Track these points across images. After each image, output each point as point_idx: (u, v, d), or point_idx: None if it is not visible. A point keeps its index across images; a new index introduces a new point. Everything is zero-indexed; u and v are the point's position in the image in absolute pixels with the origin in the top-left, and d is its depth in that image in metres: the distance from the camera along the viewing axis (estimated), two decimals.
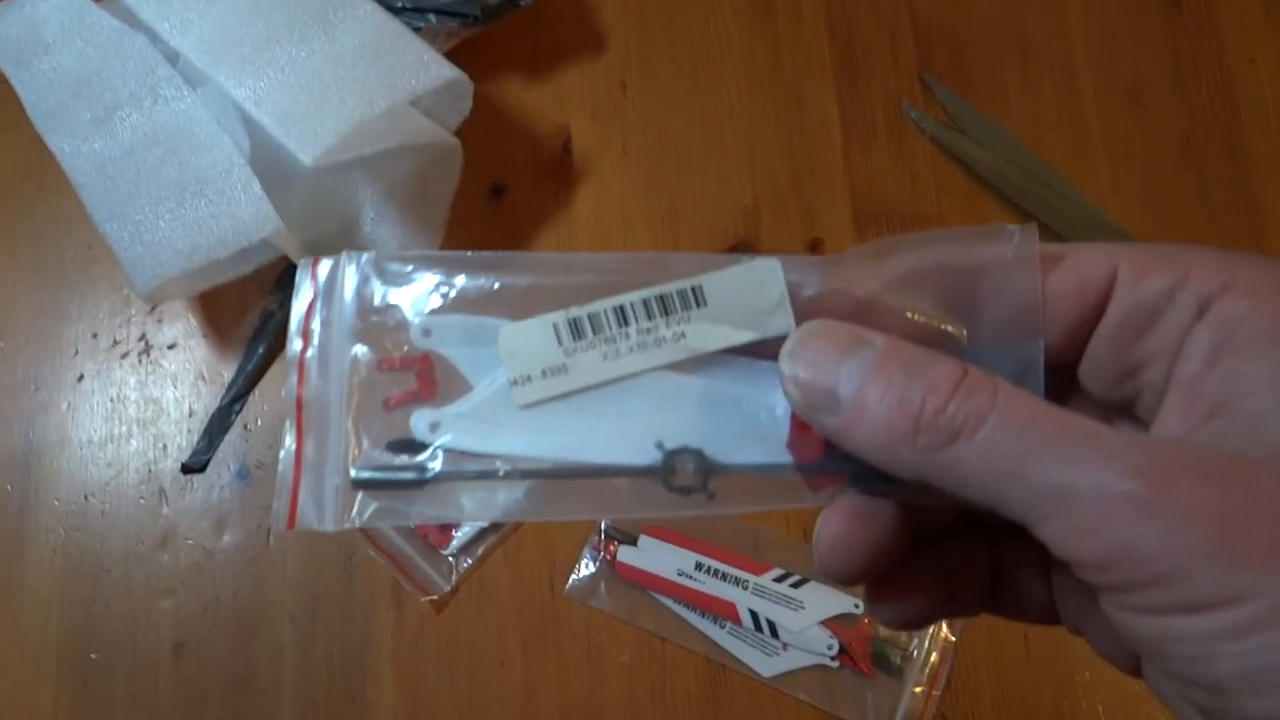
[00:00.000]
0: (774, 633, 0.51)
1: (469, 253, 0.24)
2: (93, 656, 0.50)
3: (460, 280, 0.24)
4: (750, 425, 0.21)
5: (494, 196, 0.57)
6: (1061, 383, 0.20)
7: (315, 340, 0.24)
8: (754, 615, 0.51)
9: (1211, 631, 0.15)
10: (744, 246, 0.58)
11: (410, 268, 0.24)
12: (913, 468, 0.18)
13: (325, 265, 0.25)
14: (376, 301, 0.24)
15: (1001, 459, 0.17)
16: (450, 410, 0.23)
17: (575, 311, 0.22)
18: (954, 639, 0.52)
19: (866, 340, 0.19)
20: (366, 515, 0.23)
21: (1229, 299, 0.18)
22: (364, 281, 0.24)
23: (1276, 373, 0.17)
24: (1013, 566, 0.22)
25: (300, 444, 0.24)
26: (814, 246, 0.58)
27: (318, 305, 0.24)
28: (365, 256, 0.25)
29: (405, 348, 0.24)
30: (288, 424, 0.23)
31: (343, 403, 0.24)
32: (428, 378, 0.24)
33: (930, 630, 0.52)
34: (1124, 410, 0.20)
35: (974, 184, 0.60)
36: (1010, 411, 0.17)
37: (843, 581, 0.21)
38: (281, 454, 0.23)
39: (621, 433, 0.22)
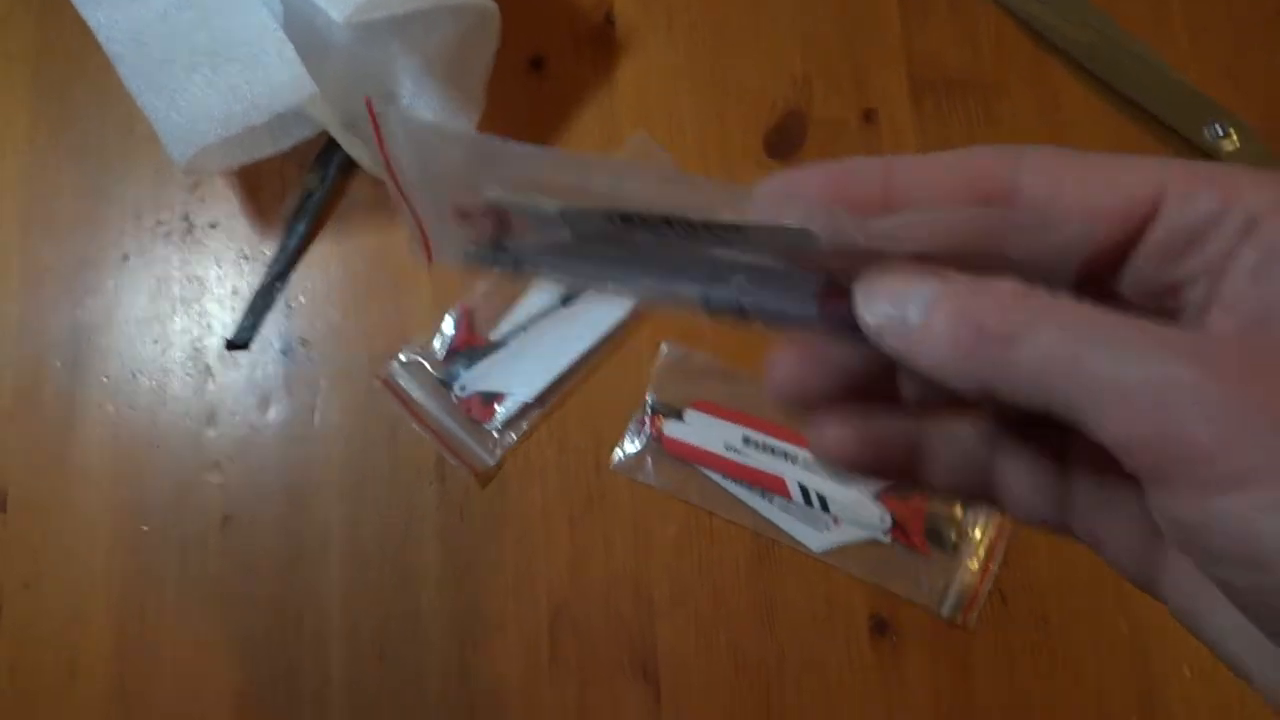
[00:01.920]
0: (824, 507, 0.50)
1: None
2: (144, 529, 0.51)
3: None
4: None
5: (533, 69, 0.56)
6: (1101, 296, 0.20)
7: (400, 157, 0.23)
8: (804, 489, 0.50)
9: (1259, 504, 0.15)
10: (795, 117, 0.55)
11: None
12: (975, 376, 0.18)
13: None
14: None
15: (1059, 356, 0.17)
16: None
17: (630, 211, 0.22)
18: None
19: (931, 272, 0.20)
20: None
21: (1277, 219, 0.18)
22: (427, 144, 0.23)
23: None
24: (1027, 465, 0.22)
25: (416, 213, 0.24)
26: (868, 116, 0.56)
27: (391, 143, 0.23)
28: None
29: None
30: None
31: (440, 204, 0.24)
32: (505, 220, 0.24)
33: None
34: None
35: (1041, 50, 0.57)
36: (1066, 313, 0.18)
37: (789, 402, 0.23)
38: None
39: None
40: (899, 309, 0.19)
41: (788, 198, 0.21)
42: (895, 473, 0.23)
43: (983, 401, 0.20)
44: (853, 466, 0.23)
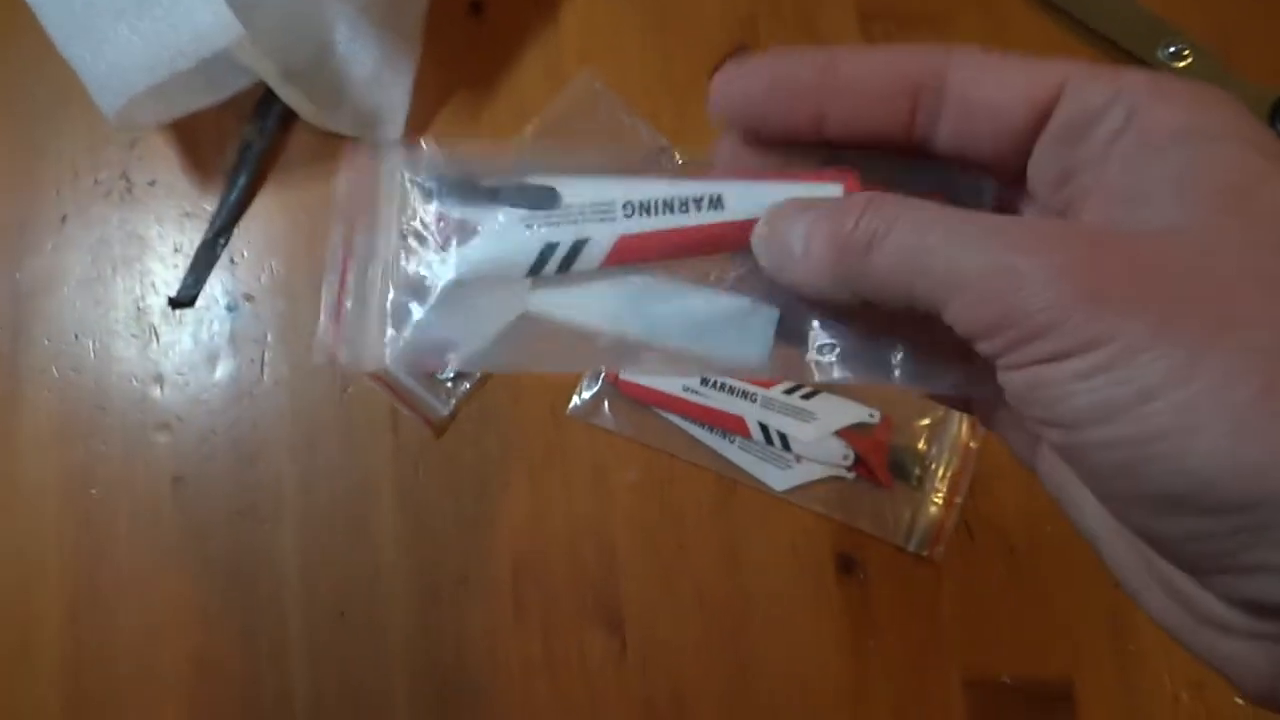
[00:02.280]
0: (785, 445, 0.49)
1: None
2: (93, 493, 0.50)
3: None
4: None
5: (473, 13, 0.54)
6: (1015, 192, 0.22)
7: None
8: (764, 428, 0.49)
9: (1073, 373, 0.17)
10: (742, 53, 0.54)
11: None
12: (847, 286, 0.21)
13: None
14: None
15: (908, 258, 0.19)
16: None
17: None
18: (974, 446, 0.49)
19: (813, 205, 0.22)
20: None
21: (1153, 108, 0.19)
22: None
23: (1177, 168, 0.19)
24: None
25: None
26: None
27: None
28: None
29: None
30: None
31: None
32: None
33: (950, 437, 0.49)
34: (1065, 215, 0.21)
35: None
36: (912, 217, 0.19)
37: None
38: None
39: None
40: (784, 246, 0.22)
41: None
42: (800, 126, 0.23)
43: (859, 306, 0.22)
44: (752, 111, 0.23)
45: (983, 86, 0.21)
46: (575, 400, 0.50)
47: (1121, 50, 0.53)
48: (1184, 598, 0.19)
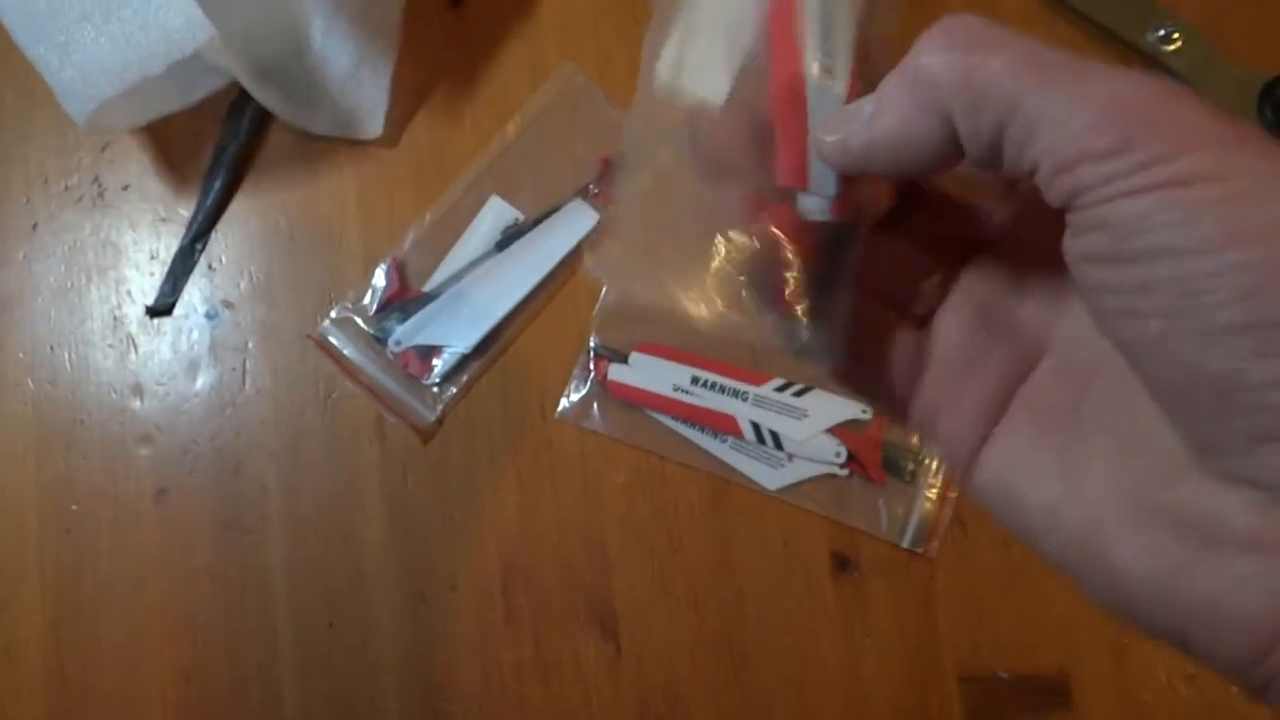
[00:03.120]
0: (778, 444, 0.48)
1: None
2: (74, 508, 0.49)
3: None
4: None
5: (452, 7, 0.53)
6: None
7: None
8: (756, 427, 0.48)
9: (1203, 198, 0.17)
10: None
11: None
12: (940, 109, 0.20)
13: None
14: None
15: (1020, 69, 0.18)
16: None
17: None
18: None
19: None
20: None
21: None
22: None
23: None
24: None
25: None
26: None
27: None
28: None
29: None
30: None
31: None
32: None
33: None
34: None
35: None
36: (1021, 40, 0.19)
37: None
38: None
39: None
40: (852, 118, 0.21)
41: None
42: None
43: (941, 153, 0.20)
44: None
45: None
46: (564, 403, 0.50)
47: (1108, 32, 0.52)
48: (1191, 520, 0.19)
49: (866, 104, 0.21)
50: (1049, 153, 0.18)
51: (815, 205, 0.22)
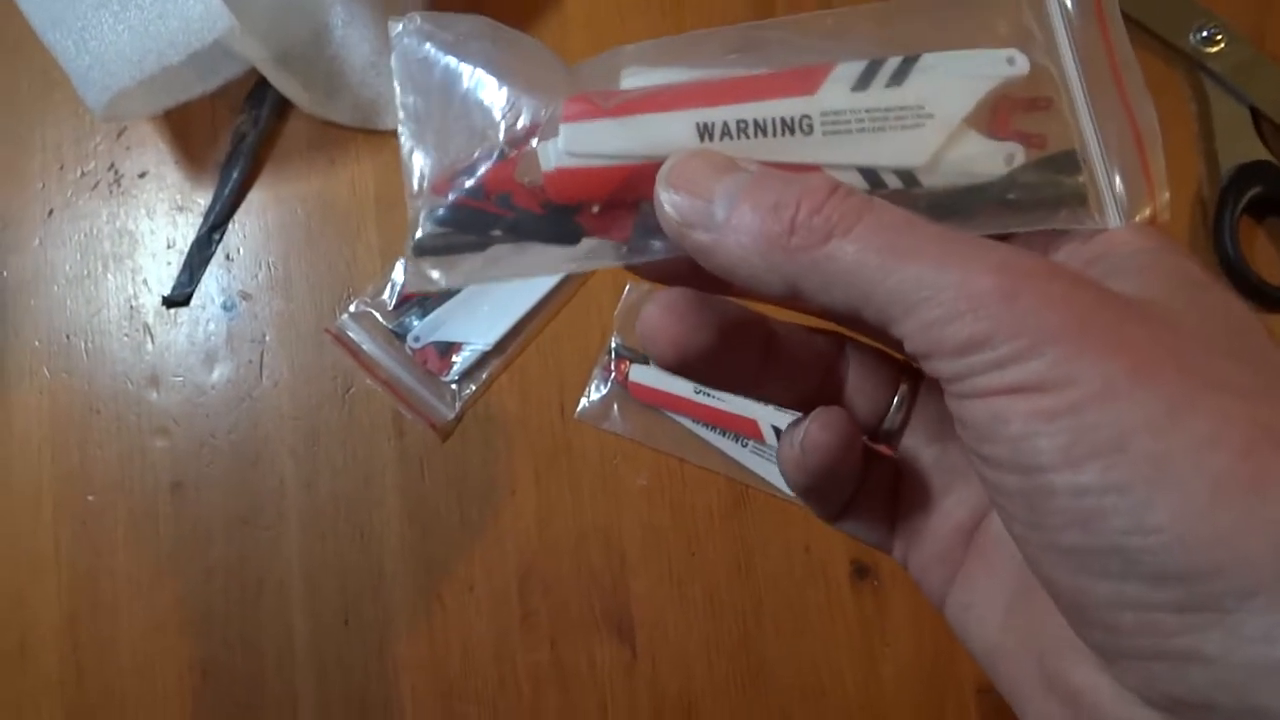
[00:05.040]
0: None
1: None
2: (90, 499, 0.48)
3: None
4: None
5: None
6: None
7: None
8: (777, 431, 0.48)
9: (1041, 410, 0.16)
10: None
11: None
12: (784, 271, 0.18)
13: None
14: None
15: (874, 256, 0.17)
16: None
17: None
18: None
19: (741, 165, 0.20)
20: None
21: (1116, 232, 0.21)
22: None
23: (1138, 262, 0.20)
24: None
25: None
26: None
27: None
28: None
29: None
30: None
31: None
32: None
33: None
34: None
35: None
36: (884, 215, 0.18)
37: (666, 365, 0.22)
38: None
39: None
40: (703, 201, 0.19)
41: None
42: (731, 376, 0.23)
43: (786, 299, 0.19)
44: (681, 353, 0.21)
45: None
46: (584, 403, 0.49)
47: (1150, 33, 0.51)
48: (1073, 696, 0.19)
49: (722, 196, 0.19)
50: (907, 339, 0.18)
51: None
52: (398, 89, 0.23)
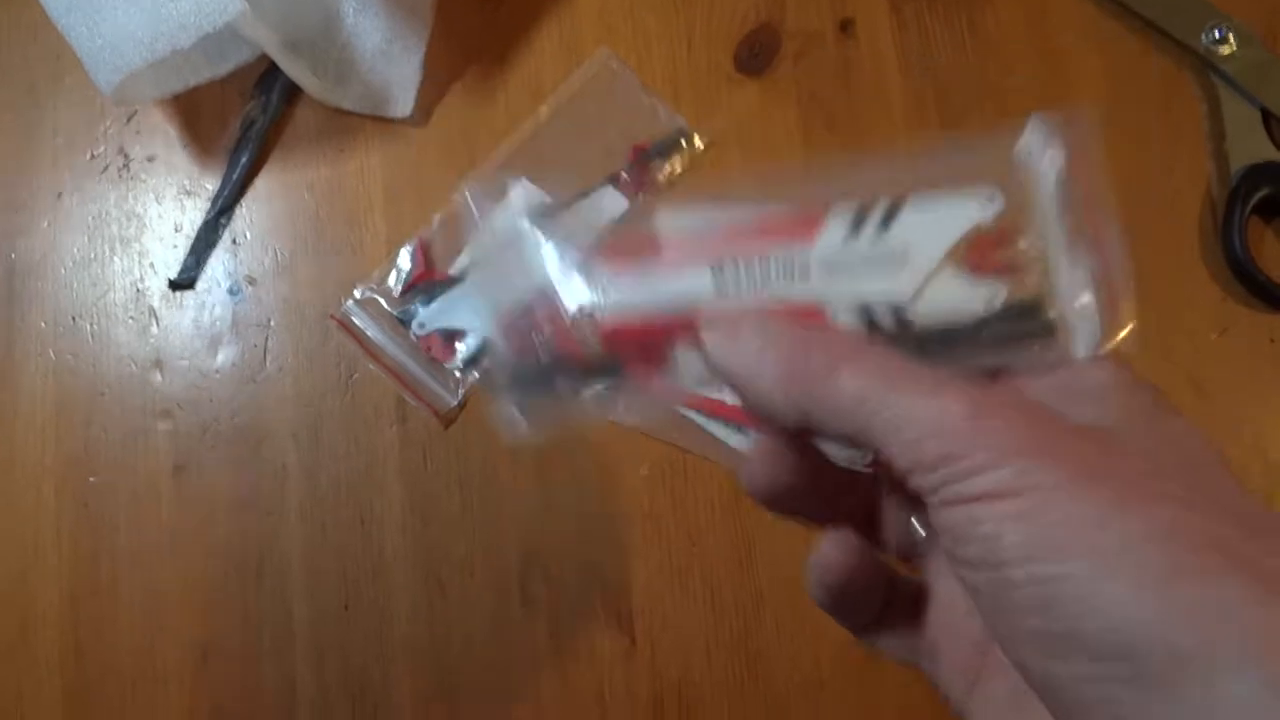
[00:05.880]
0: None
1: None
2: (92, 480, 0.49)
3: None
4: None
5: None
6: None
7: None
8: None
9: (1004, 513, 0.19)
10: (767, 30, 0.52)
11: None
12: (799, 404, 0.22)
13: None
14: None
15: (869, 391, 0.21)
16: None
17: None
18: None
19: (774, 317, 0.24)
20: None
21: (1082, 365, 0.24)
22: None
23: (1098, 391, 0.23)
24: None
25: None
26: (844, 28, 0.52)
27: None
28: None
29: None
30: None
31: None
32: None
33: None
34: None
35: None
36: (874, 356, 0.22)
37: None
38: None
39: None
40: (741, 338, 0.23)
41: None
42: (831, 514, 0.27)
43: (800, 432, 0.23)
44: (780, 499, 0.26)
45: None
46: (586, 393, 0.49)
47: (1162, 33, 0.50)
48: None
49: (751, 344, 0.23)
50: (894, 459, 0.21)
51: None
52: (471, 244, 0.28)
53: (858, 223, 0.25)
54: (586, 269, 0.26)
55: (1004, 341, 0.25)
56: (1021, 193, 0.25)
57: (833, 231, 0.25)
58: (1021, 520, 0.19)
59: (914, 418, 0.20)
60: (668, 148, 0.50)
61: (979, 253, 0.25)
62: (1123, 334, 0.24)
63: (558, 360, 0.27)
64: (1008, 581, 0.19)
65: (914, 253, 0.25)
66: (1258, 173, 0.48)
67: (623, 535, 0.48)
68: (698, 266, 0.26)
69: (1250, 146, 0.49)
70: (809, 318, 0.26)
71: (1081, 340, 0.24)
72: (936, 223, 0.25)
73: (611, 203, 0.50)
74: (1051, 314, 0.24)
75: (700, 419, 0.48)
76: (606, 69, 0.51)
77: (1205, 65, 0.50)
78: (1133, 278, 0.24)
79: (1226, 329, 0.48)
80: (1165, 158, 0.50)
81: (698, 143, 0.50)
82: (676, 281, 0.26)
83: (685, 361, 0.25)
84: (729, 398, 0.48)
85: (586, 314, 0.27)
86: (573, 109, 0.51)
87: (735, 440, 0.48)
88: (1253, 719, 0.17)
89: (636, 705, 0.47)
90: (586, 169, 0.50)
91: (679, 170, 0.50)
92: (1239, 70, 0.49)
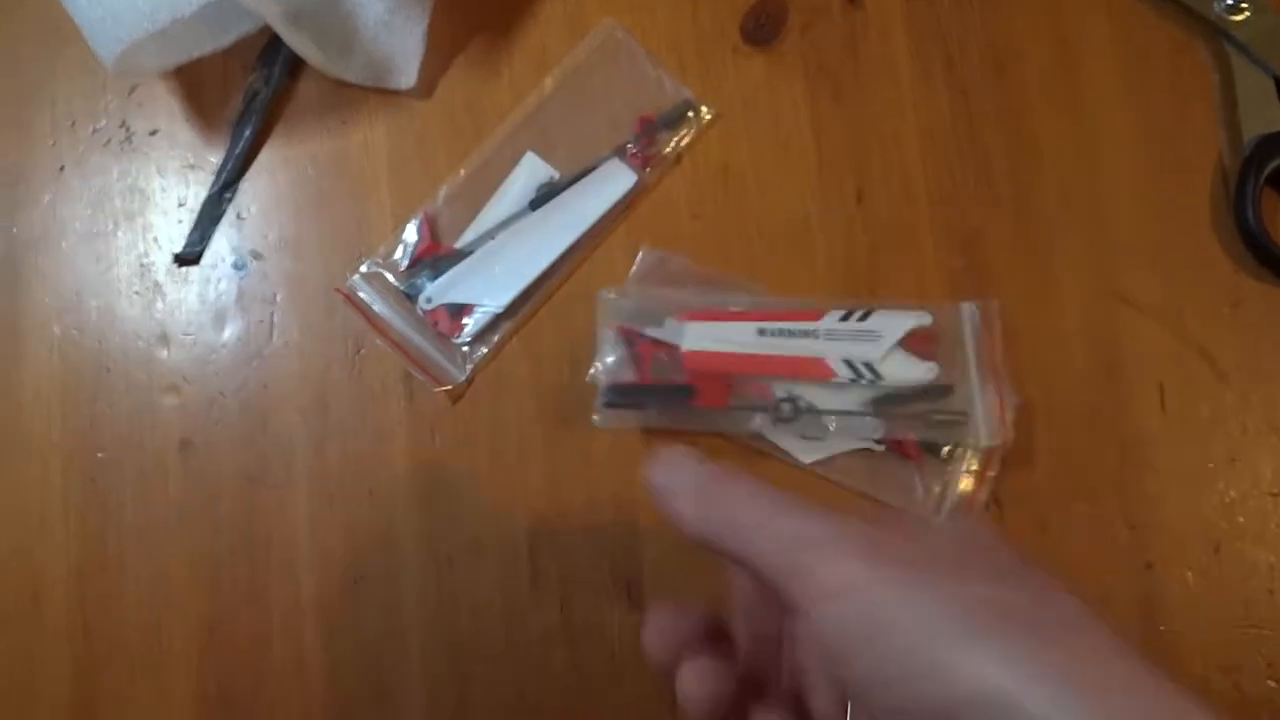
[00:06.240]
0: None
1: None
2: (99, 456, 0.48)
3: None
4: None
5: None
6: None
7: None
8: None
9: (834, 614, 0.24)
10: (773, 2, 0.51)
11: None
12: (704, 532, 0.28)
13: None
14: None
15: (731, 519, 0.27)
16: None
17: None
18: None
19: (695, 455, 0.29)
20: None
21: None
22: None
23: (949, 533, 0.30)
24: None
25: None
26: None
27: None
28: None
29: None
30: None
31: None
32: None
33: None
34: None
35: None
36: (742, 489, 0.27)
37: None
38: None
39: None
40: (676, 478, 0.28)
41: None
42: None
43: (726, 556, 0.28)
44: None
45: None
46: (596, 366, 0.49)
47: (1176, 2, 0.50)
48: None
49: (684, 473, 0.28)
50: (759, 572, 0.26)
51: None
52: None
53: (846, 316, 0.46)
54: (675, 318, 0.44)
55: (927, 422, 0.45)
56: (951, 327, 0.47)
57: (831, 317, 0.47)
58: (845, 617, 0.24)
59: (770, 537, 0.25)
60: (674, 119, 0.50)
61: (919, 343, 0.46)
62: (1006, 437, 0.45)
63: (647, 380, 0.46)
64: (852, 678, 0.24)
65: (882, 333, 0.46)
66: (1271, 143, 0.48)
67: (634, 510, 0.48)
68: (747, 324, 0.47)
69: (1264, 116, 0.48)
70: (814, 365, 0.46)
71: (982, 433, 0.45)
72: (896, 321, 0.46)
73: (617, 176, 0.49)
74: (962, 413, 0.45)
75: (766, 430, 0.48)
76: (611, 40, 0.50)
77: (1217, 33, 0.49)
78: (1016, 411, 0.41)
79: (1239, 303, 0.47)
80: (1176, 128, 0.49)
81: (704, 114, 0.50)
82: (737, 333, 0.47)
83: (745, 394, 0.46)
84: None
85: (673, 348, 0.47)
86: (578, 81, 0.50)
87: (799, 448, 0.48)
88: None
89: (648, 678, 0.47)
90: (593, 141, 0.50)
91: (685, 142, 0.50)
92: (1252, 37, 0.49)
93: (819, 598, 0.24)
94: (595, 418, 0.47)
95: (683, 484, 0.28)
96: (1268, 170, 0.47)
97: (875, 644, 0.23)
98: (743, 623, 0.33)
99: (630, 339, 0.48)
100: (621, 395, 0.46)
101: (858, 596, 0.23)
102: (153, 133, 0.50)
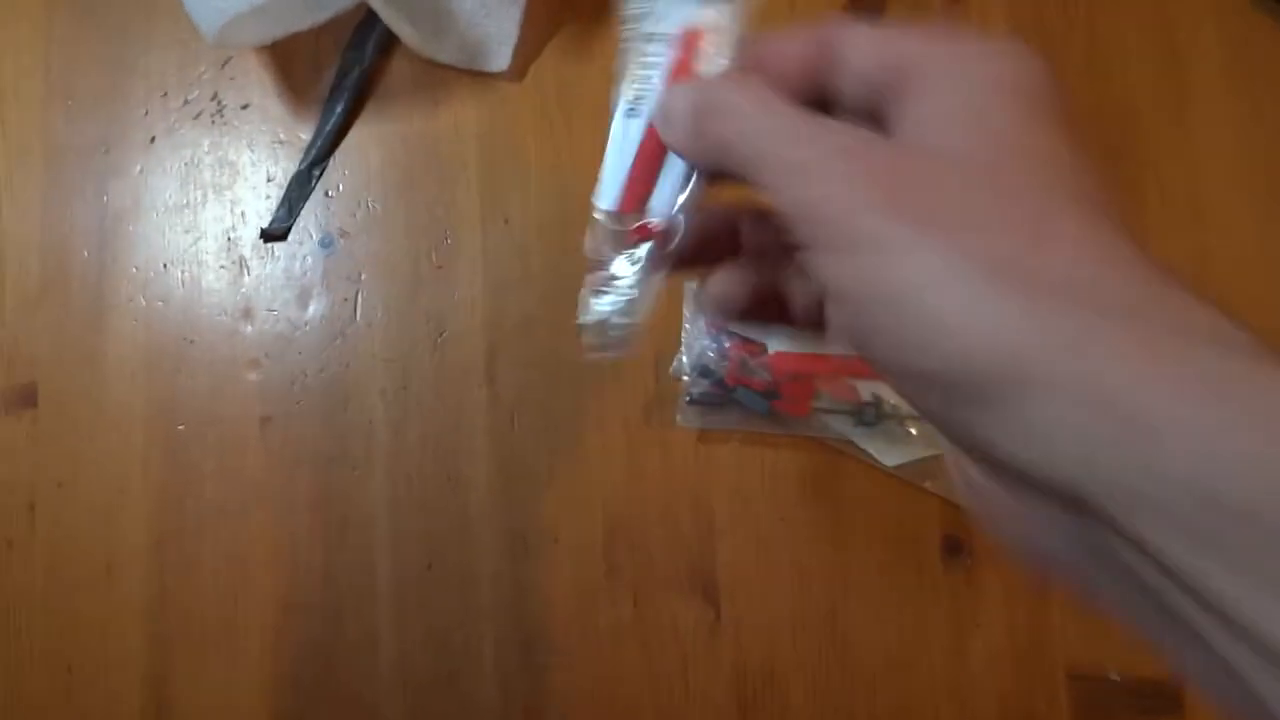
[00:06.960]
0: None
1: None
2: (180, 428, 0.48)
3: None
4: None
5: None
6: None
7: None
8: None
9: (854, 265, 0.20)
10: None
11: None
12: (702, 152, 0.24)
13: None
14: None
15: (747, 134, 0.22)
16: None
17: None
18: None
19: (692, 80, 0.25)
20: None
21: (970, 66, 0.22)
22: None
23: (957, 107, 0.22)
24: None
25: None
26: None
27: None
28: None
29: None
30: None
31: None
32: None
33: None
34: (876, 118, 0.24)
35: None
36: (757, 97, 0.23)
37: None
38: None
39: None
40: (668, 109, 0.25)
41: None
42: (767, 315, 0.28)
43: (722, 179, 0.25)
44: (731, 310, 0.27)
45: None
46: (679, 360, 0.48)
47: None
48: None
49: (672, 109, 0.25)
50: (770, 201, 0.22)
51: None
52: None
53: None
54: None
55: None
56: None
57: None
58: (867, 270, 0.20)
59: (791, 166, 0.22)
60: None
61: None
62: None
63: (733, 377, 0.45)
64: (852, 319, 0.21)
65: None
66: None
67: (711, 508, 0.47)
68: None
69: None
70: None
71: None
72: None
73: None
74: None
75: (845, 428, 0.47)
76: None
77: None
78: None
79: None
80: None
81: None
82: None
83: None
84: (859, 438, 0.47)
85: (761, 346, 0.46)
86: None
87: (830, 417, 0.47)
88: (1061, 430, 0.18)
89: (719, 680, 0.46)
90: None
91: None
92: None
93: (824, 248, 0.21)
94: (678, 417, 0.46)
95: (679, 113, 0.25)
96: None
97: (892, 309, 0.20)
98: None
99: (719, 335, 0.47)
100: (705, 397, 0.46)
101: (866, 255, 0.20)
102: (244, 106, 0.50)
